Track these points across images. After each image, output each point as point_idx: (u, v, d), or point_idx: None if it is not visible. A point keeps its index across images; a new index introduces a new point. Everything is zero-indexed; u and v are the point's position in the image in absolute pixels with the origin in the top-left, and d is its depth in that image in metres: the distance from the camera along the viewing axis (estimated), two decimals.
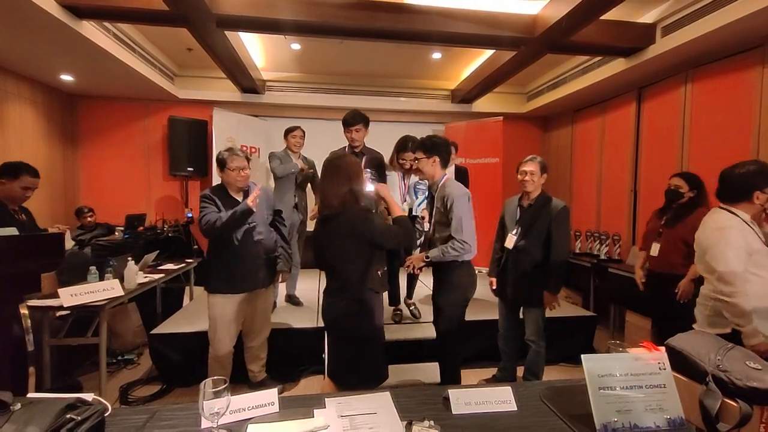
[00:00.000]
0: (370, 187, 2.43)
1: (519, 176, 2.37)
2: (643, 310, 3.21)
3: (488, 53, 4.19)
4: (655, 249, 2.65)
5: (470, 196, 2.11)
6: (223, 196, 2.25)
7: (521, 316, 2.49)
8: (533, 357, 2.43)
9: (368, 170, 2.76)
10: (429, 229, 2.26)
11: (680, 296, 2.42)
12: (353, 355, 1.73)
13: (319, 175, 1.86)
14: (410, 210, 3.00)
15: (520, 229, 2.38)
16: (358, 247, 1.70)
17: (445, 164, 2.18)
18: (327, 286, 1.80)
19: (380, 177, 2.84)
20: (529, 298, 2.37)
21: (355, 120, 2.74)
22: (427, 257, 2.11)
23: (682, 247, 2.45)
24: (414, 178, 3.00)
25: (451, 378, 2.19)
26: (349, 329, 1.73)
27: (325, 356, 2.29)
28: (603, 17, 2.87)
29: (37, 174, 2.43)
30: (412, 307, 3.20)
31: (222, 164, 2.23)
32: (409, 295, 3.25)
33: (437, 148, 2.14)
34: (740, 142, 3.04)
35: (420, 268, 2.22)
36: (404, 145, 2.95)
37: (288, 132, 3.35)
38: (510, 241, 2.39)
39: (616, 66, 3.73)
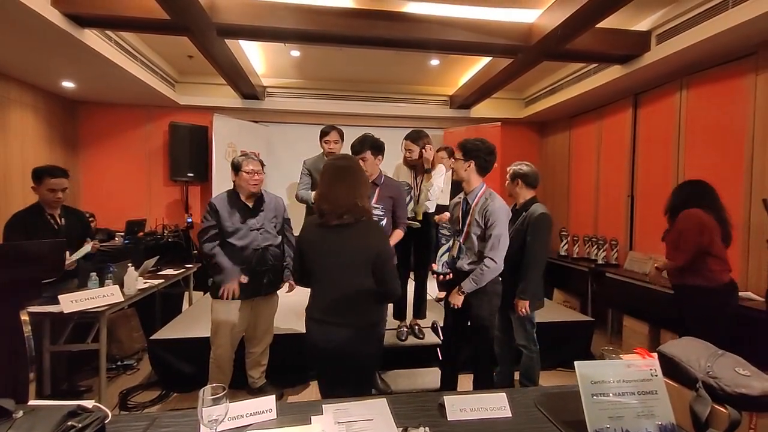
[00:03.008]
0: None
1: None
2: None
3: (486, 60, 4.23)
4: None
5: (508, 212, 2.10)
6: (233, 203, 2.28)
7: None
8: (527, 362, 2.45)
9: (378, 205, 2.34)
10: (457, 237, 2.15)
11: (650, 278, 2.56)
12: (354, 384, 1.55)
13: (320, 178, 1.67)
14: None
15: None
16: (369, 263, 1.51)
17: (482, 171, 2.09)
18: (320, 306, 1.55)
19: (396, 213, 2.43)
20: (510, 303, 2.36)
21: (357, 147, 2.36)
22: (462, 292, 2.06)
23: (672, 253, 2.44)
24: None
25: (486, 384, 2.19)
26: (354, 359, 1.52)
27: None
28: (598, 25, 2.91)
29: (62, 174, 2.49)
30: (416, 328, 2.99)
31: (237, 167, 2.26)
32: (419, 314, 3.01)
33: (476, 152, 2.04)
34: (734, 147, 3.07)
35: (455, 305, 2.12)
36: (407, 134, 2.76)
37: (321, 136, 2.97)
38: None
39: (612, 73, 3.78)
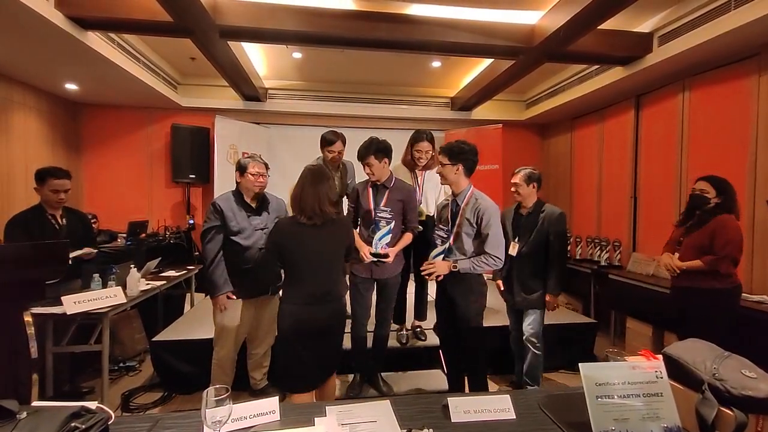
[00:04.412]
0: (384, 238, 2.25)
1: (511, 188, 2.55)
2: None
3: (487, 61, 4.24)
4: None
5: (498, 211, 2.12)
6: (237, 203, 2.29)
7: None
8: (533, 360, 2.49)
9: (386, 208, 2.30)
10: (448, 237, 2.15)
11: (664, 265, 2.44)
12: (332, 355, 1.88)
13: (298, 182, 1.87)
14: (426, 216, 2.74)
15: (520, 236, 2.48)
16: (343, 252, 1.89)
17: (469, 173, 2.12)
18: (305, 292, 1.77)
19: (407, 216, 2.37)
20: (531, 301, 2.46)
21: (362, 153, 2.30)
22: (455, 267, 2.04)
23: (699, 256, 2.28)
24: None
25: (480, 386, 2.18)
26: (337, 333, 1.88)
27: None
28: (600, 27, 2.91)
29: (65, 175, 2.51)
30: (418, 329, 2.96)
31: (243, 168, 2.28)
32: (420, 316, 2.96)
33: (463, 155, 2.07)
34: (738, 149, 3.06)
35: (438, 276, 2.11)
36: (418, 136, 2.65)
37: (324, 144, 2.82)
38: (513, 249, 2.49)
39: (614, 74, 3.77)
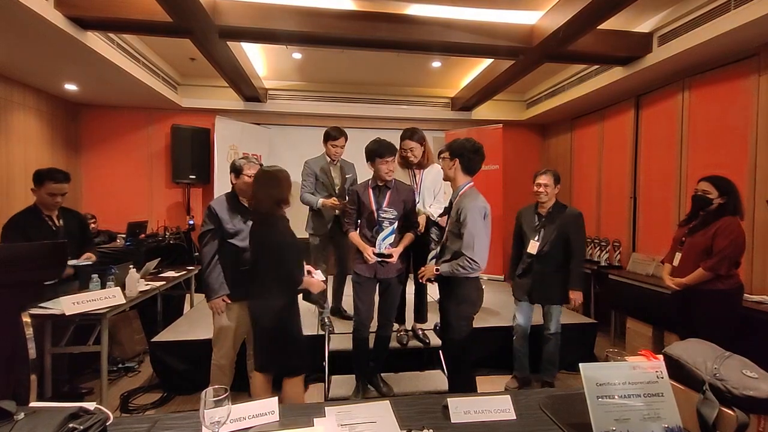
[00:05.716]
0: (388, 238, 2.27)
1: (534, 188, 2.64)
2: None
3: (487, 62, 4.24)
4: (677, 259, 2.46)
5: (488, 211, 2.00)
6: (233, 205, 2.29)
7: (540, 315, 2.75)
8: (553, 349, 2.67)
9: (389, 209, 2.31)
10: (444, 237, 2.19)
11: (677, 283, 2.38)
12: (288, 347, 1.97)
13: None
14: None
15: (541, 235, 2.60)
16: (283, 254, 1.95)
17: (467, 171, 2.07)
18: (261, 284, 1.93)
19: (408, 217, 2.39)
20: (552, 296, 2.60)
21: (380, 152, 2.26)
22: (437, 270, 2.06)
23: (702, 258, 2.27)
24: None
25: (463, 387, 2.15)
26: (288, 324, 1.96)
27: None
28: (600, 27, 2.91)
29: (64, 179, 2.50)
30: (420, 333, 2.95)
31: (238, 171, 2.27)
32: (420, 318, 2.96)
33: (461, 151, 2.04)
34: (738, 149, 3.06)
35: (430, 280, 2.15)
36: (404, 134, 2.67)
37: (328, 139, 2.90)
38: (533, 248, 2.61)
39: (614, 74, 3.77)
